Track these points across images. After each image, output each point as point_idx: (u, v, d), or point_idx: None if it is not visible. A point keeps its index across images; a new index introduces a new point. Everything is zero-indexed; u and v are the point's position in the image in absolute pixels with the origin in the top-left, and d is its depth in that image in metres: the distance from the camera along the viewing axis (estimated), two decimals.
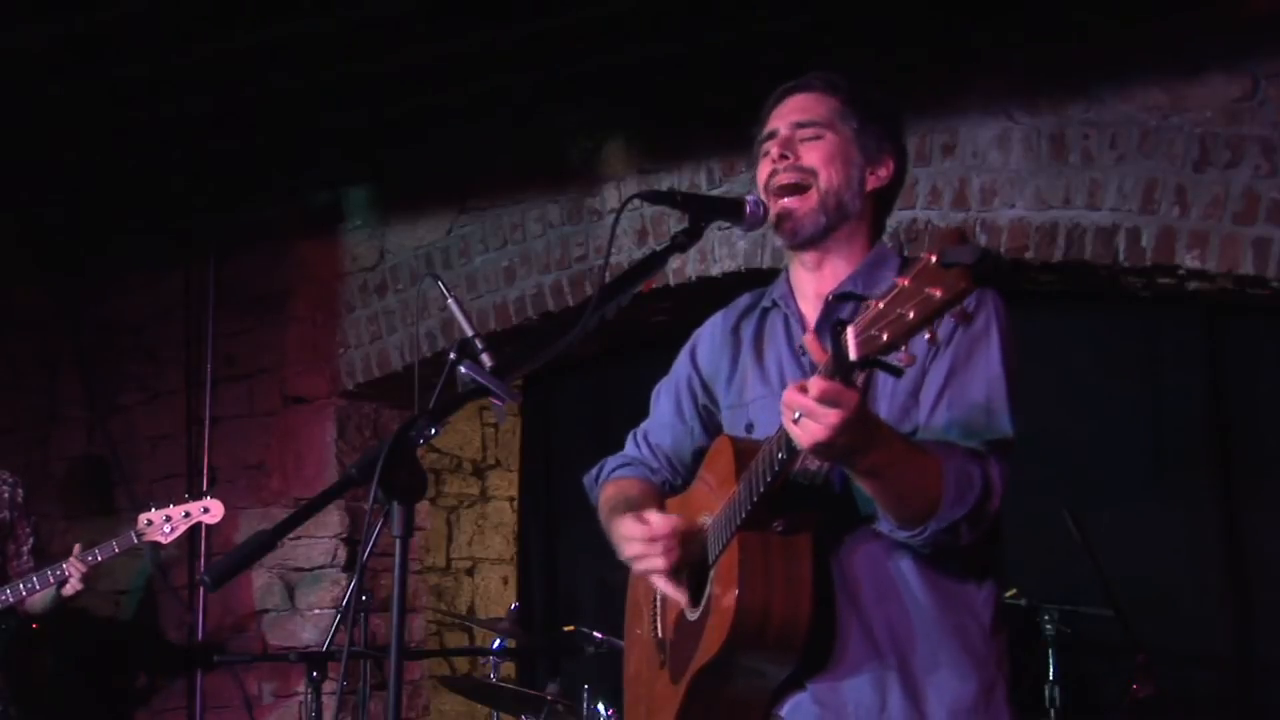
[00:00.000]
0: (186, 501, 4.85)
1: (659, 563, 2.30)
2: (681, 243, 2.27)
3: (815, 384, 1.89)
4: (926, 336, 1.74)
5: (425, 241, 5.52)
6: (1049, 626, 4.12)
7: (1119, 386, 4.50)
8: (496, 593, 6.43)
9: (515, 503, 6.45)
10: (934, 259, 1.72)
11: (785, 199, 2.32)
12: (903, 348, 1.76)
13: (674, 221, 4.69)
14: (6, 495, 4.96)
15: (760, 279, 4.75)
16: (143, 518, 4.80)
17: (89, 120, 5.17)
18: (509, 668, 5.44)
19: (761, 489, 2.09)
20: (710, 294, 4.93)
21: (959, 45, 4.42)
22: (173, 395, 6.03)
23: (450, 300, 2.32)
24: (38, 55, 4.62)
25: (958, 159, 4.35)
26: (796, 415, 1.92)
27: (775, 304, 2.46)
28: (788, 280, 2.46)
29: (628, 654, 2.70)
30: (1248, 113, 3.96)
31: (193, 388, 5.98)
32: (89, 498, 6.18)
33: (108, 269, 6.25)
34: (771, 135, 2.37)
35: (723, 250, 4.78)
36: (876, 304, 1.77)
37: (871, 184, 2.37)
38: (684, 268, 4.83)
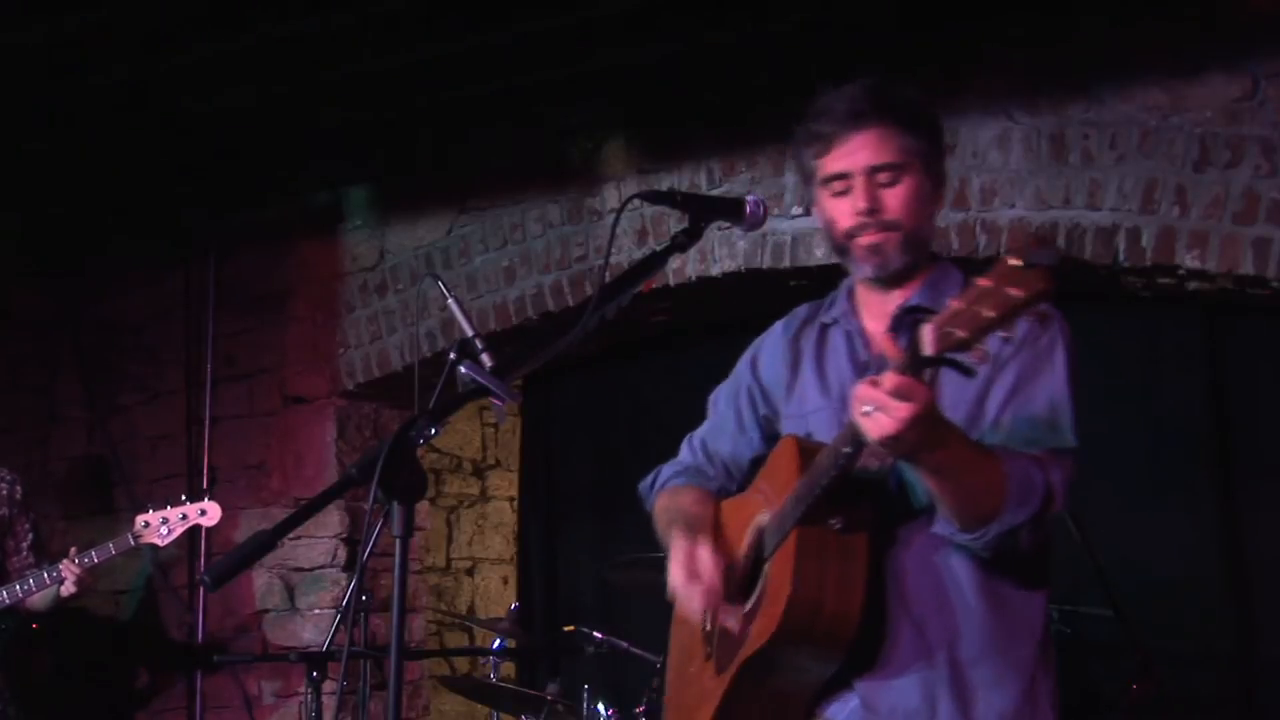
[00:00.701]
0: (184, 504, 4.84)
1: (696, 606, 2.36)
2: (681, 243, 2.27)
3: (889, 378, 1.92)
4: (1003, 335, 1.78)
5: (425, 241, 5.52)
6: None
7: (1119, 386, 4.50)
8: (496, 593, 6.43)
9: (515, 503, 6.45)
10: (1015, 261, 1.75)
11: (871, 237, 2.32)
12: (977, 345, 1.80)
13: (674, 221, 4.69)
14: (5, 492, 4.95)
15: (760, 279, 4.79)
16: (140, 519, 4.79)
17: (89, 120, 5.17)
18: (509, 668, 5.44)
19: (825, 483, 2.11)
20: (710, 294, 4.94)
21: (959, 45, 4.42)
22: (173, 395, 6.03)
23: (450, 300, 2.32)
24: (37, 55, 4.62)
25: (958, 159, 4.35)
26: (868, 409, 1.94)
27: (836, 321, 2.47)
28: (849, 297, 2.47)
29: (672, 643, 2.73)
30: (1248, 113, 3.96)
31: (193, 388, 5.98)
32: (89, 498, 6.18)
33: (108, 269, 6.25)
34: (842, 176, 2.34)
35: (723, 250, 4.78)
36: (955, 303, 1.80)
37: (936, 208, 2.43)
38: (684, 268, 4.83)
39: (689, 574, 2.35)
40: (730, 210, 2.32)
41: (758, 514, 2.40)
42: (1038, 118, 4.27)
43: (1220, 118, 3.99)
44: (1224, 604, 4.29)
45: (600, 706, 4.34)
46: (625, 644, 4.46)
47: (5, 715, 4.89)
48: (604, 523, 5.66)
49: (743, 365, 2.64)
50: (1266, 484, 4.30)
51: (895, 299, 2.38)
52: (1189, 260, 4.02)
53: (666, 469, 2.74)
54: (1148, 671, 3.95)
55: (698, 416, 2.82)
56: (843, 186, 2.34)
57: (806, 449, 2.29)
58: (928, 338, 1.84)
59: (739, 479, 2.64)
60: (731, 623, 2.35)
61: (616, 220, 2.50)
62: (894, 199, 2.32)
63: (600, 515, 5.70)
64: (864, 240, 2.33)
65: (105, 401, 6.20)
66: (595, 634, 4.50)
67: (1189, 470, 4.39)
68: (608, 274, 2.25)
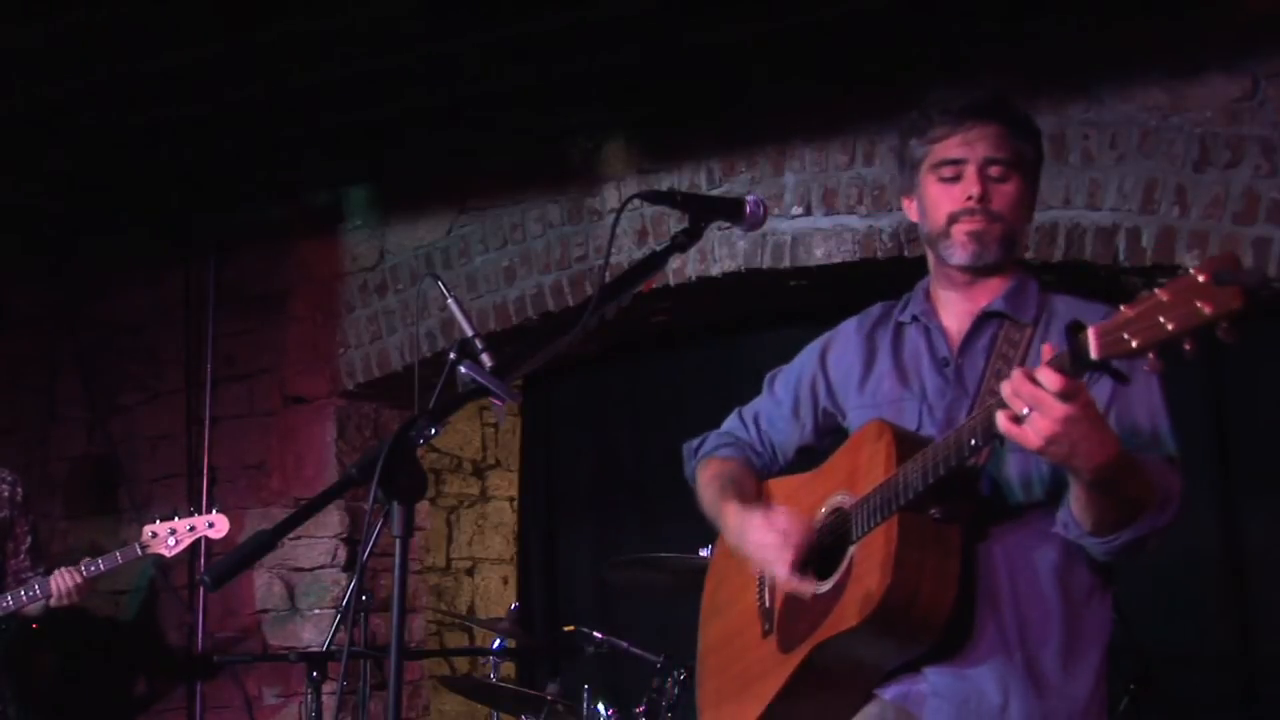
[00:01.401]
0: (192, 515, 4.85)
1: (784, 564, 2.35)
2: (681, 243, 2.27)
3: (1050, 377, 1.91)
4: (1186, 347, 1.78)
5: (425, 241, 5.52)
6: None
7: None
8: (496, 593, 6.43)
9: (515, 503, 6.45)
10: (1203, 277, 1.76)
11: (974, 224, 2.36)
12: (1150, 354, 1.79)
13: (674, 221, 4.69)
14: (5, 493, 4.95)
15: (760, 279, 4.79)
16: (147, 530, 4.79)
17: (89, 120, 5.16)
18: (509, 668, 5.43)
19: (943, 472, 2.12)
20: (710, 294, 4.94)
21: (959, 45, 4.42)
22: (173, 395, 6.03)
23: (450, 300, 2.32)
24: (37, 54, 4.62)
25: None
26: (1025, 411, 1.93)
27: (915, 319, 2.49)
28: (926, 297, 2.50)
29: (709, 620, 2.73)
30: (1248, 113, 3.96)
31: (193, 388, 5.97)
32: (89, 498, 6.17)
33: (108, 269, 6.24)
34: (957, 162, 2.38)
35: (723, 250, 4.78)
36: (1126, 310, 1.81)
37: (1031, 220, 2.47)
38: (684, 268, 4.83)
39: (779, 534, 2.36)
40: (730, 210, 2.32)
41: (832, 495, 2.40)
42: (1038, 118, 4.22)
43: (1220, 118, 3.99)
44: (1224, 604, 4.29)
45: (600, 706, 4.34)
46: (625, 644, 4.45)
47: (5, 716, 4.89)
48: (604, 523, 5.66)
49: (809, 354, 2.65)
50: (1266, 484, 4.30)
51: (977, 300, 2.41)
52: (1189, 260, 4.02)
53: (714, 437, 2.75)
54: (1148, 671, 3.95)
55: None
56: (953, 173, 2.38)
57: (902, 436, 2.29)
58: (1093, 342, 1.84)
59: (782, 465, 2.66)
60: (805, 599, 2.34)
61: (616, 220, 2.50)
62: (1002, 194, 2.37)
63: (600, 515, 5.70)
64: (966, 226, 2.36)
65: (105, 401, 6.20)
66: (595, 634, 4.50)
67: (1189, 470, 4.35)
68: (608, 274, 2.25)
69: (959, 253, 2.38)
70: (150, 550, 4.77)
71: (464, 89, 4.96)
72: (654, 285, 4.81)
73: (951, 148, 2.39)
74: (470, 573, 6.44)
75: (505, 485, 6.49)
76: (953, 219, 2.37)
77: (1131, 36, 4.16)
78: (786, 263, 4.65)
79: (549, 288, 5.17)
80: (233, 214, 5.93)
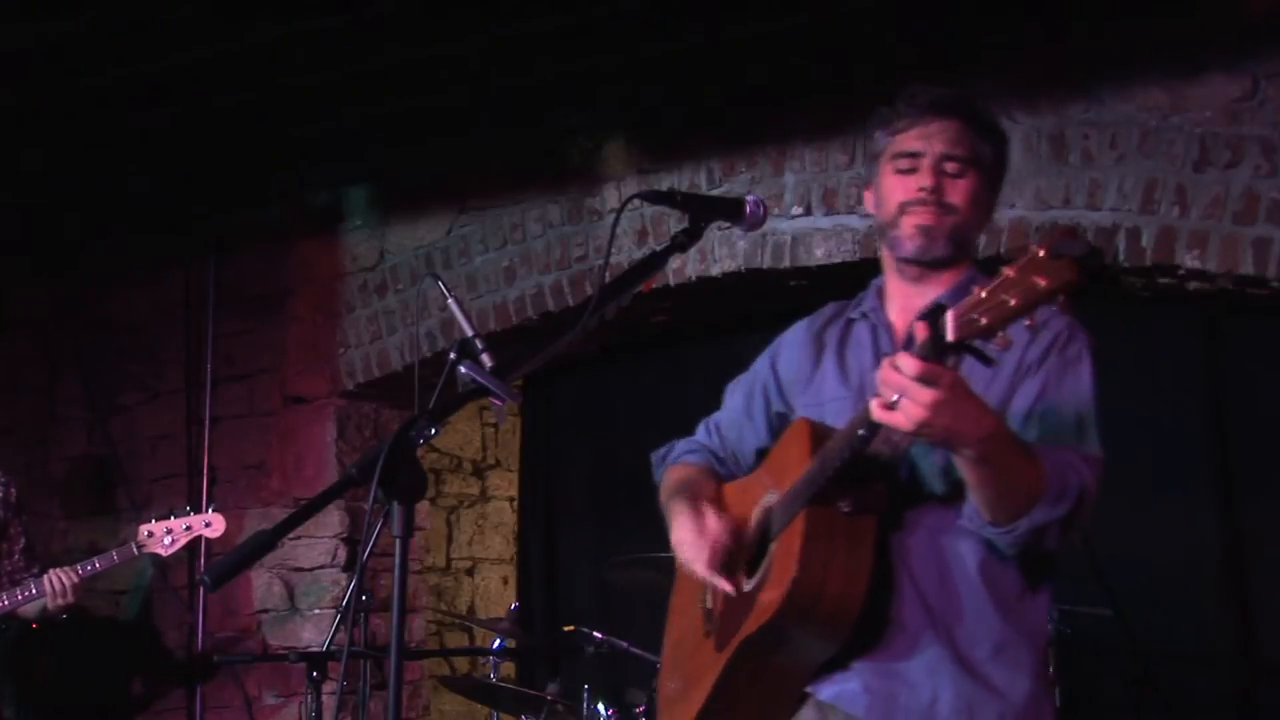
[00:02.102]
0: (189, 514, 4.84)
1: (701, 563, 2.38)
2: (681, 243, 2.28)
3: (910, 362, 1.91)
4: (1027, 323, 1.79)
5: (425, 241, 5.52)
6: (1049, 626, 4.11)
7: (1118, 387, 4.48)
8: (496, 593, 6.43)
9: (515, 503, 6.45)
10: (1042, 251, 1.76)
11: (924, 217, 2.35)
12: (1000, 333, 1.80)
13: (674, 221, 4.69)
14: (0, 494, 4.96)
15: (760, 279, 4.79)
16: (143, 529, 4.78)
17: (89, 120, 5.17)
18: (509, 668, 5.43)
19: (838, 465, 2.12)
20: (710, 294, 4.94)
21: (959, 45, 4.42)
22: (173, 395, 6.03)
23: (450, 300, 2.33)
24: (37, 55, 4.62)
25: None
26: (895, 397, 1.94)
27: (865, 315, 2.50)
28: (879, 293, 2.50)
29: (670, 622, 2.75)
30: (1248, 113, 3.96)
31: (193, 388, 5.97)
32: (89, 498, 6.17)
33: (108, 269, 6.24)
34: (914, 155, 2.38)
35: (723, 250, 4.78)
36: (979, 291, 1.81)
37: (989, 218, 2.46)
38: (684, 268, 4.83)
39: (696, 533, 2.39)
40: (730, 210, 2.33)
41: (765, 495, 2.41)
42: (1038, 118, 4.26)
43: (1220, 118, 3.99)
44: (1223, 604, 4.29)
45: (600, 706, 4.34)
46: (625, 644, 4.45)
47: (4, 717, 4.89)
48: (604, 523, 5.66)
49: (762, 360, 2.67)
50: (1266, 484, 4.30)
51: (925, 295, 2.39)
52: (1189, 260, 4.02)
53: (681, 445, 2.77)
54: (1147, 671, 3.95)
55: (698, 416, 2.82)
56: (910, 165, 2.38)
57: (819, 432, 2.30)
58: (950, 324, 1.84)
59: (743, 470, 2.67)
60: (734, 598, 2.36)
61: (616, 220, 2.50)
62: (956, 189, 2.36)
63: (600, 515, 5.70)
64: (916, 218, 2.36)
65: (105, 401, 6.20)
66: (595, 634, 4.50)
67: (1188, 470, 4.38)
68: (608, 274, 2.25)
69: (907, 244, 2.38)
70: (146, 549, 4.76)
71: (464, 89, 4.96)
72: (654, 285, 4.81)
73: (910, 140, 2.39)
74: (470, 573, 6.45)
75: (505, 485, 6.49)
76: (903, 209, 2.37)
77: (1131, 36, 4.16)
78: (786, 263, 4.65)
79: (549, 288, 5.16)
80: (232, 214, 5.93)
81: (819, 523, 2.17)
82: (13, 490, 4.98)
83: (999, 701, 2.22)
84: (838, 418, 2.36)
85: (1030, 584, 2.28)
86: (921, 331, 1.92)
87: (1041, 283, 1.75)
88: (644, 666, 4.36)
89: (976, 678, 2.22)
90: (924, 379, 1.91)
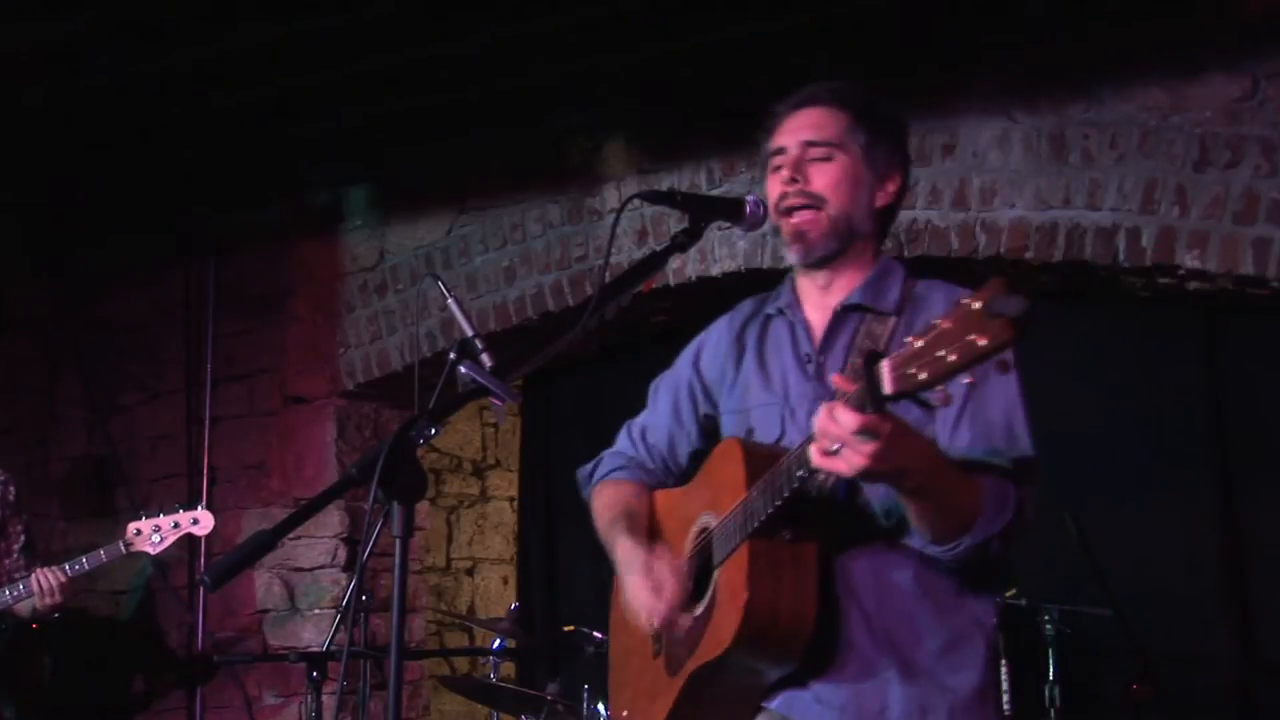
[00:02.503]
0: (177, 512, 4.82)
1: (655, 621, 2.36)
2: (681, 243, 2.28)
3: (849, 417, 1.90)
4: (967, 380, 1.77)
5: (425, 241, 5.52)
6: (1049, 626, 4.11)
7: (1118, 386, 4.50)
8: (496, 593, 6.43)
9: (515, 503, 6.45)
10: (977, 304, 1.73)
11: (795, 219, 2.34)
12: (940, 388, 1.79)
13: (674, 221, 4.69)
14: None
15: (760, 279, 4.78)
16: (131, 527, 4.77)
17: (89, 120, 5.17)
18: (509, 668, 5.43)
19: (778, 503, 2.12)
20: (710, 294, 4.94)
21: (959, 45, 4.42)
22: (173, 395, 6.03)
23: (450, 300, 2.32)
24: (37, 54, 4.62)
25: (958, 159, 4.35)
26: (835, 447, 1.94)
27: (781, 311, 2.47)
28: (793, 289, 2.47)
29: (615, 634, 2.75)
30: (1248, 113, 3.96)
31: (193, 388, 5.97)
32: (89, 498, 6.17)
33: (108, 269, 6.24)
34: (780, 152, 2.38)
35: (723, 250, 4.78)
36: (915, 342, 1.79)
37: (880, 201, 2.39)
38: (684, 268, 4.83)
39: (651, 592, 2.37)
40: (730, 210, 2.33)
41: (700, 514, 2.40)
42: (1038, 118, 4.26)
43: (1220, 118, 3.99)
44: (1223, 604, 4.29)
45: (600, 706, 4.34)
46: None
47: (4, 717, 4.89)
48: None
49: (684, 359, 2.64)
50: (1266, 484, 4.30)
51: (836, 293, 2.38)
52: (1189, 260, 4.01)
53: (608, 459, 2.75)
54: (1147, 671, 3.95)
55: None
56: (779, 161, 2.38)
57: (751, 453, 2.28)
58: (887, 377, 1.82)
59: (676, 474, 2.65)
60: (682, 624, 2.36)
61: (616, 220, 2.50)
62: (822, 175, 2.34)
63: None
64: (792, 220, 2.34)
65: (105, 401, 6.20)
66: (595, 634, 4.50)
67: (1188, 470, 4.38)
68: (608, 274, 2.25)
69: (791, 252, 2.38)
70: (135, 548, 4.74)
71: (464, 89, 4.96)
72: (654, 285, 4.81)
73: (780, 137, 2.38)
74: (470, 573, 6.45)
75: (505, 485, 6.49)
76: (779, 209, 2.35)
77: (1131, 36, 4.16)
78: (786, 263, 4.65)
79: (549, 288, 5.17)
80: (232, 214, 5.93)
81: (763, 554, 2.17)
82: (11, 488, 4.98)
83: (949, 696, 2.24)
84: (764, 425, 2.37)
85: (974, 587, 2.28)
86: (846, 385, 1.91)
87: (980, 342, 1.73)
88: None
89: (926, 680, 2.23)
90: (864, 433, 1.90)
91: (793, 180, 2.33)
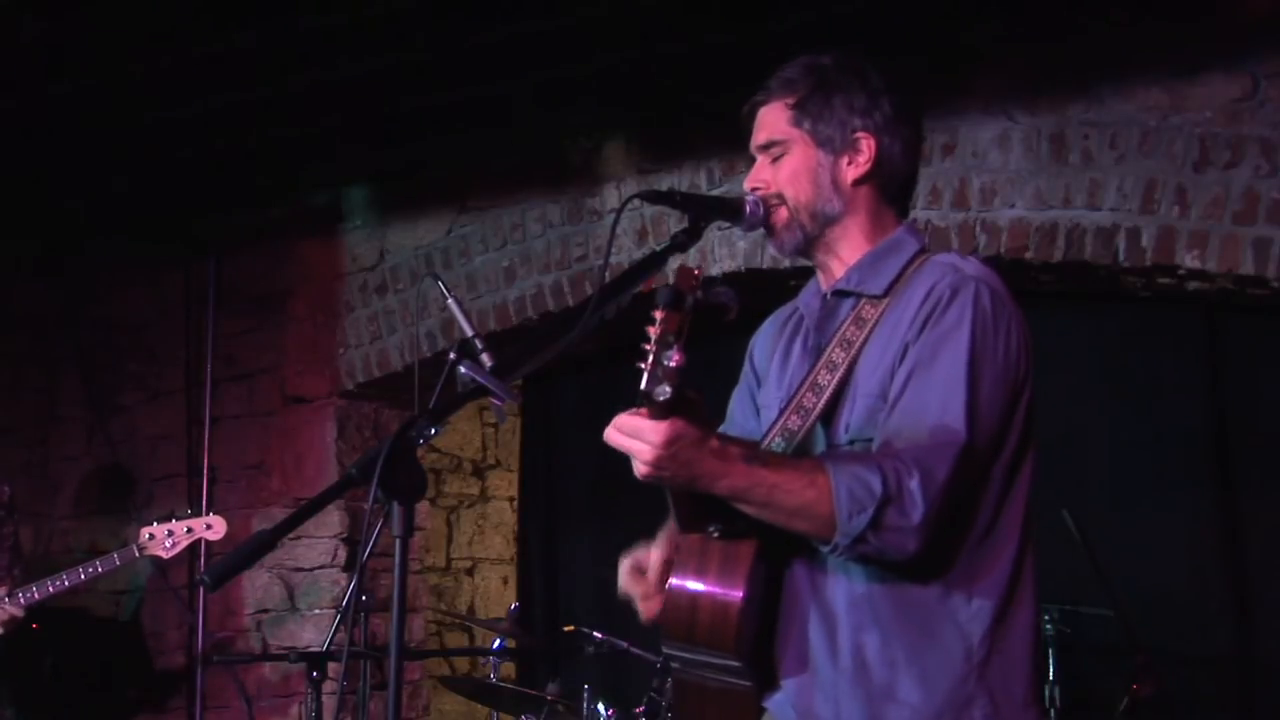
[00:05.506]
0: (190, 517, 4.86)
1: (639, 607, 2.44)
2: (681, 243, 2.28)
3: (625, 420, 2.04)
4: (673, 361, 1.97)
5: (425, 241, 5.52)
6: (1049, 626, 4.11)
7: (1119, 386, 4.50)
8: (496, 593, 6.43)
9: (515, 503, 6.46)
10: (659, 314, 2.00)
11: (770, 219, 2.35)
12: (674, 364, 1.97)
13: (674, 221, 4.69)
14: None
15: (760, 279, 4.79)
16: (144, 531, 4.80)
17: (89, 120, 5.16)
18: (509, 668, 5.43)
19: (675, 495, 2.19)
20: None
21: (959, 45, 4.42)
22: (173, 395, 6.03)
23: (450, 300, 2.33)
24: (36, 54, 4.61)
25: (958, 159, 4.35)
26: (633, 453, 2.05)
27: (797, 308, 2.48)
28: (814, 278, 2.47)
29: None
30: (1248, 113, 3.96)
31: (193, 388, 5.98)
32: (89, 498, 6.18)
33: (108, 269, 6.25)
34: (753, 159, 2.40)
35: (723, 250, 4.78)
36: (642, 365, 1.97)
37: (851, 174, 2.32)
38: None
39: (632, 574, 2.46)
40: (730, 210, 2.33)
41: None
42: (1038, 118, 4.26)
43: (1220, 118, 3.99)
44: (1224, 604, 4.29)
45: (600, 706, 4.34)
46: (625, 644, 4.46)
47: (3, 716, 4.89)
48: (604, 523, 5.65)
49: (746, 363, 2.64)
50: (1266, 484, 4.30)
51: (831, 278, 2.37)
52: (1189, 260, 4.01)
53: None
54: (1148, 671, 3.95)
55: None
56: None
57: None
58: (655, 394, 1.96)
59: None
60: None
61: (616, 220, 2.49)
62: (778, 173, 2.34)
63: (600, 515, 5.69)
64: (769, 221, 2.35)
65: (105, 401, 6.20)
66: (595, 634, 4.50)
67: (1189, 470, 4.38)
68: (608, 274, 2.25)
69: (779, 252, 2.42)
70: (148, 552, 4.78)
71: (464, 89, 4.96)
72: (654, 285, 4.80)
73: (751, 145, 2.42)
74: (470, 573, 6.45)
75: (505, 485, 6.49)
76: (758, 215, 2.37)
77: (1131, 36, 4.16)
78: (786, 263, 4.65)
79: (549, 288, 5.16)
80: (233, 214, 5.93)
81: (688, 548, 2.22)
82: (6, 489, 5.00)
83: (905, 711, 2.14)
84: (768, 419, 2.37)
85: (949, 589, 2.15)
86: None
87: (669, 333, 1.98)
88: (644, 666, 4.36)
89: (879, 688, 2.15)
90: (635, 434, 2.02)
91: (754, 189, 2.35)
